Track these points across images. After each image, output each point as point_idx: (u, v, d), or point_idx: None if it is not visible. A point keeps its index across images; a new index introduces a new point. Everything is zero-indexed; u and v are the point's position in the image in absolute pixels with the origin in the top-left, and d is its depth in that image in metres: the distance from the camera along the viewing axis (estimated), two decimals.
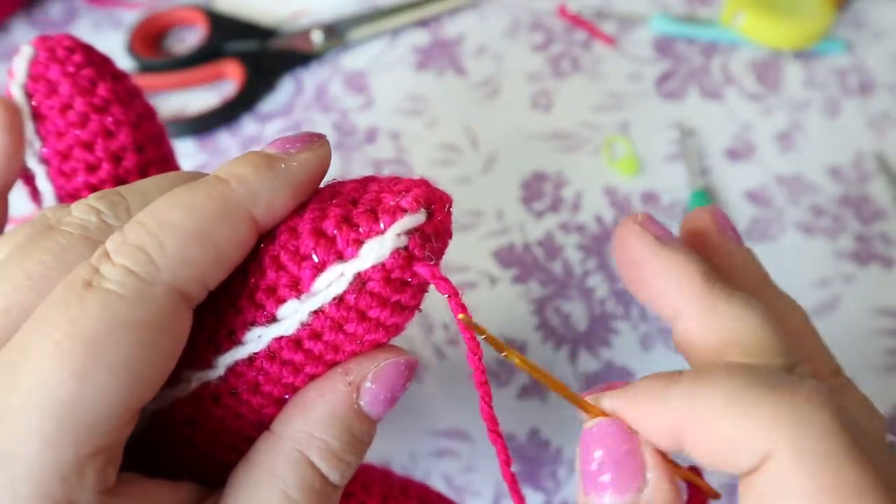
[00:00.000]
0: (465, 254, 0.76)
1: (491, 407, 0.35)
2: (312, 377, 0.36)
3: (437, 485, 0.65)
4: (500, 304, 0.73)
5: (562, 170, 0.81)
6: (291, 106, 0.86)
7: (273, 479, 0.34)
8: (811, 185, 0.81)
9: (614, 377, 0.70)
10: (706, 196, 0.78)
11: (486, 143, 0.83)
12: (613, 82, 0.88)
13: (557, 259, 0.76)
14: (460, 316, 0.35)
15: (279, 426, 0.35)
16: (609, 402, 0.35)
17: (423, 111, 0.85)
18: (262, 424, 0.36)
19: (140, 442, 0.38)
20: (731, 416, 0.31)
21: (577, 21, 0.92)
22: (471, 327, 0.35)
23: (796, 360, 0.34)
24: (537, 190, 0.80)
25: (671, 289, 0.36)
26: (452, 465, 0.67)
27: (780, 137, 0.84)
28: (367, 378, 0.35)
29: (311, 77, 0.88)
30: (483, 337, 0.35)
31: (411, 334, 0.70)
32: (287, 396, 0.36)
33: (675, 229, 0.39)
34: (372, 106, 0.85)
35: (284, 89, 0.87)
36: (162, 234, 0.31)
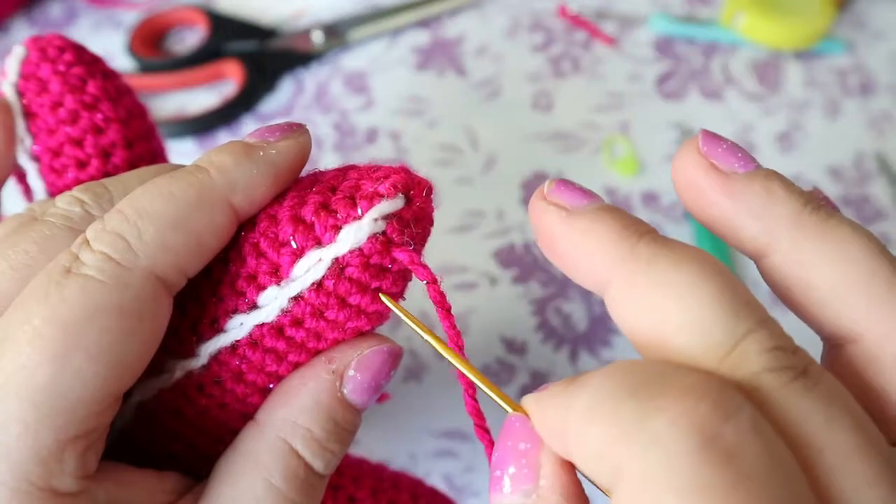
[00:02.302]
0: (465, 254, 0.76)
1: (476, 401, 0.35)
2: (296, 366, 0.36)
3: (438, 485, 0.65)
4: (501, 305, 0.73)
5: (562, 170, 0.81)
6: (291, 106, 0.86)
7: (257, 468, 0.34)
8: (811, 186, 0.80)
9: None
10: None
11: (486, 143, 0.83)
12: (613, 82, 0.88)
13: None
14: (381, 295, 0.34)
15: (263, 415, 0.35)
16: (526, 399, 0.31)
17: (424, 111, 0.85)
18: (246, 415, 0.36)
19: (126, 434, 0.38)
20: (587, 427, 0.27)
21: (577, 21, 0.91)
22: (394, 306, 0.34)
23: (746, 328, 0.27)
24: None
25: (586, 262, 0.31)
26: (452, 466, 0.66)
27: (780, 138, 0.84)
28: (351, 366, 0.35)
29: (311, 77, 0.88)
30: (410, 321, 0.34)
31: (410, 333, 0.70)
32: (271, 386, 0.36)
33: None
34: (372, 106, 0.85)
35: (284, 89, 0.87)
36: (140, 221, 0.31)
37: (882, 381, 0.29)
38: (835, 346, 0.31)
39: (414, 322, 0.34)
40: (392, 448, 0.67)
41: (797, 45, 0.88)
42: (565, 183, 0.33)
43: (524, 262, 0.76)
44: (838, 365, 0.31)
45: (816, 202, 0.31)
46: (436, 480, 0.66)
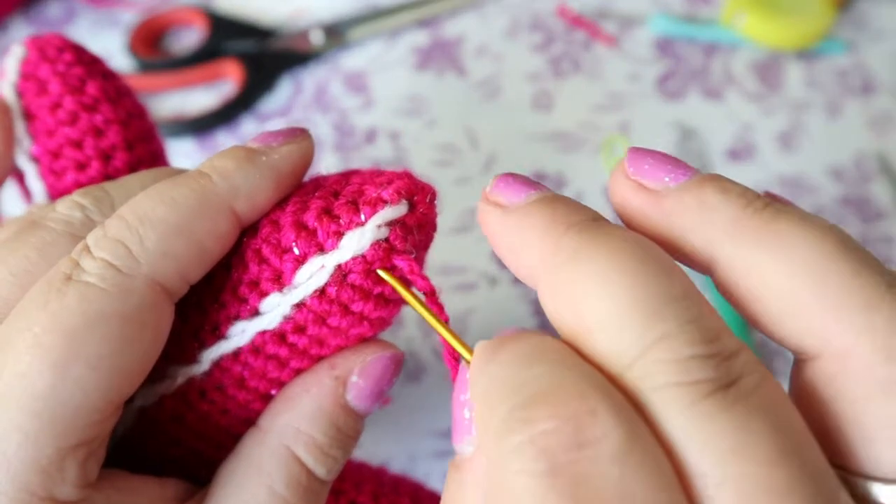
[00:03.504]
0: (464, 255, 0.75)
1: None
2: (298, 372, 0.36)
3: (438, 486, 0.65)
4: (500, 306, 0.73)
5: (562, 170, 0.81)
6: (291, 106, 0.85)
7: (259, 474, 0.34)
8: (812, 186, 0.80)
9: None
10: None
11: (486, 143, 0.83)
12: (613, 82, 0.88)
13: None
14: (379, 271, 0.33)
15: (265, 421, 0.35)
16: (477, 345, 0.29)
17: (423, 111, 0.85)
18: (248, 420, 0.36)
19: (128, 440, 0.38)
20: (476, 413, 0.27)
21: (577, 21, 0.91)
22: (394, 282, 0.33)
23: (661, 332, 0.25)
24: None
25: (519, 259, 0.30)
26: None
27: (780, 138, 0.84)
28: (354, 372, 0.35)
29: (310, 77, 0.88)
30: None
31: (411, 335, 0.70)
32: (273, 392, 0.36)
33: None
34: (371, 106, 0.85)
35: (284, 89, 0.87)
36: (142, 227, 0.31)
37: (841, 404, 0.26)
38: (800, 361, 0.29)
39: (417, 302, 0.33)
40: (391, 449, 0.67)
41: (798, 45, 0.88)
42: (506, 178, 0.32)
43: None
44: (801, 383, 0.28)
45: (761, 202, 0.28)
46: (436, 481, 0.66)
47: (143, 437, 0.38)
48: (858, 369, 0.26)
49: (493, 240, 0.32)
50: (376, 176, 0.35)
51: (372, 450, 0.66)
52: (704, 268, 0.29)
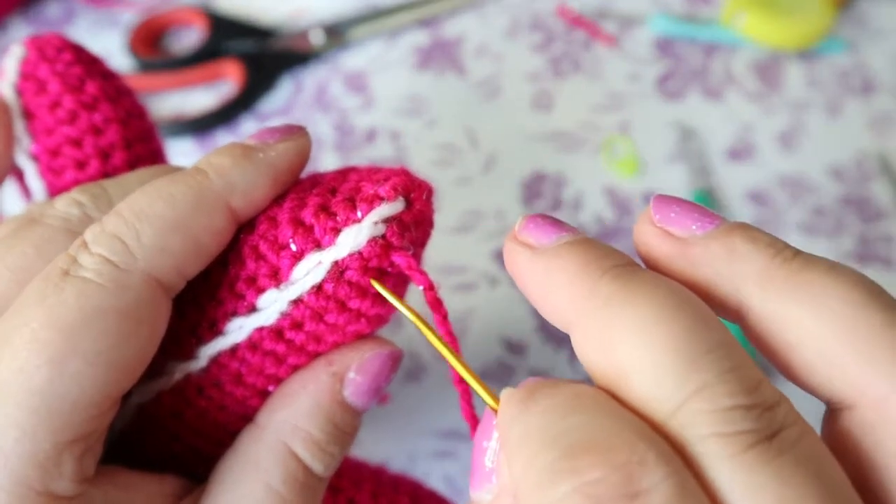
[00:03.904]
0: (464, 255, 0.75)
1: (472, 406, 0.35)
2: (296, 368, 0.36)
3: (437, 486, 0.65)
4: (500, 306, 0.73)
5: (562, 170, 0.81)
6: (291, 106, 0.85)
7: (257, 470, 0.34)
8: (813, 186, 0.80)
9: None
10: (707, 197, 0.78)
11: (486, 143, 0.83)
12: (613, 82, 0.88)
13: None
14: (373, 281, 0.33)
15: (263, 417, 0.35)
16: (501, 395, 0.29)
17: (423, 111, 0.85)
18: (246, 417, 0.36)
19: (126, 436, 0.38)
20: (512, 458, 0.26)
21: (577, 21, 0.91)
22: (387, 293, 0.33)
23: (702, 381, 0.25)
24: (537, 190, 0.80)
25: (551, 302, 0.30)
26: (452, 467, 0.66)
27: (781, 138, 0.84)
28: (351, 369, 0.35)
29: (310, 77, 0.88)
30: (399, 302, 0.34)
31: (411, 335, 0.70)
32: (271, 388, 0.36)
33: None
34: (372, 106, 0.85)
35: (284, 89, 0.87)
36: (139, 223, 0.31)
37: (881, 454, 0.26)
38: (834, 410, 0.28)
39: (410, 312, 0.33)
40: (391, 448, 0.67)
41: (798, 44, 0.88)
42: (535, 219, 0.32)
43: None
44: (836, 433, 0.27)
45: (790, 251, 0.28)
46: (435, 481, 0.66)
47: (140, 434, 0.38)
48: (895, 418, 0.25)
49: (521, 280, 0.31)
50: (373, 173, 0.35)
51: (371, 449, 0.66)
52: (733, 316, 0.29)
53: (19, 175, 0.46)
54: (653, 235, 0.31)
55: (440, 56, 0.89)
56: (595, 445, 0.24)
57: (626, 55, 0.89)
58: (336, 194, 0.34)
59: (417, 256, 0.35)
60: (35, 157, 0.44)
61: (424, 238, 0.36)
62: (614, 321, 0.27)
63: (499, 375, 0.69)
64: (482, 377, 0.64)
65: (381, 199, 0.33)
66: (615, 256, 0.29)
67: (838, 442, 0.27)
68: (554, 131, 0.83)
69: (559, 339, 0.71)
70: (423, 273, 0.33)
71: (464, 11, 0.93)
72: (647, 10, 0.93)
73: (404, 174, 0.34)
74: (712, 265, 0.29)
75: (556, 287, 0.29)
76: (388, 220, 0.33)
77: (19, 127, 0.44)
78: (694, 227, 0.30)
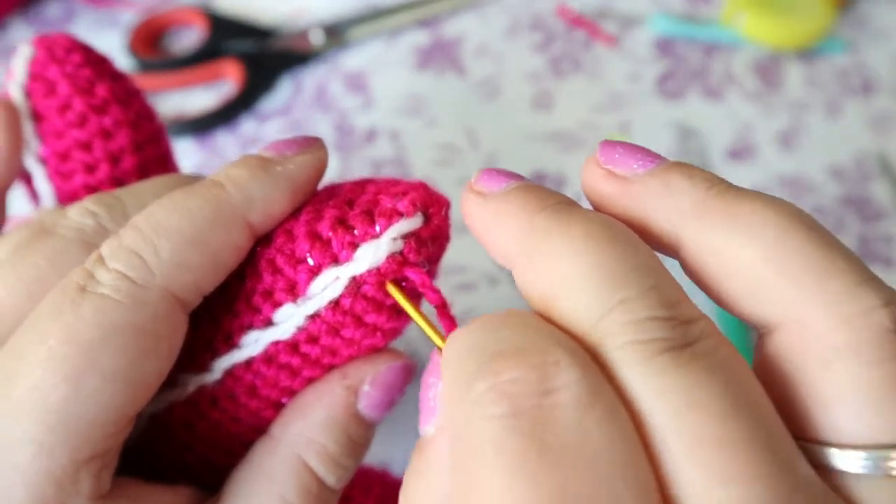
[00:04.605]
0: (464, 255, 0.75)
1: None
2: (310, 381, 0.36)
3: None
4: (500, 306, 0.72)
5: (562, 170, 0.81)
6: (290, 106, 0.85)
7: (271, 483, 0.34)
8: (812, 186, 0.80)
9: None
10: None
11: (486, 143, 0.82)
12: (613, 82, 0.87)
13: None
14: (389, 285, 0.33)
15: (277, 430, 0.35)
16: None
17: (423, 111, 0.85)
18: (259, 429, 0.36)
19: (138, 446, 0.38)
20: (444, 377, 0.28)
21: (577, 21, 0.91)
22: (399, 297, 0.33)
23: (623, 296, 0.26)
24: None
25: (495, 240, 0.31)
26: None
27: (781, 138, 0.84)
28: (366, 382, 0.35)
29: (310, 77, 0.87)
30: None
31: (411, 335, 0.70)
32: (285, 400, 0.36)
33: None
34: (371, 106, 0.85)
35: (283, 89, 0.86)
36: (157, 238, 0.31)
37: (799, 373, 0.27)
38: (762, 336, 0.29)
39: (419, 316, 0.33)
40: (392, 449, 0.67)
41: (798, 44, 0.88)
42: (490, 171, 0.33)
43: None
44: (763, 356, 0.28)
45: (725, 185, 0.29)
46: None
47: (153, 444, 0.38)
48: (814, 337, 0.26)
49: (472, 225, 0.33)
50: (391, 185, 0.35)
51: (372, 450, 0.65)
52: (671, 250, 0.30)
53: (27, 178, 0.45)
54: (598, 177, 0.32)
55: (440, 56, 0.89)
56: (514, 352, 0.25)
57: (626, 55, 0.89)
58: (353, 207, 0.33)
59: (432, 273, 0.35)
60: (43, 161, 0.44)
61: (440, 253, 0.36)
62: (549, 250, 0.28)
63: None
64: None
65: (400, 214, 0.32)
66: (556, 196, 0.31)
67: (765, 365, 0.28)
68: (554, 131, 0.83)
69: None
70: (436, 291, 0.33)
71: (464, 11, 0.92)
72: (647, 9, 0.93)
73: (423, 188, 0.34)
74: (651, 200, 0.30)
75: (501, 227, 0.31)
76: (406, 236, 0.33)
77: (28, 129, 0.44)
78: (635, 165, 0.31)
